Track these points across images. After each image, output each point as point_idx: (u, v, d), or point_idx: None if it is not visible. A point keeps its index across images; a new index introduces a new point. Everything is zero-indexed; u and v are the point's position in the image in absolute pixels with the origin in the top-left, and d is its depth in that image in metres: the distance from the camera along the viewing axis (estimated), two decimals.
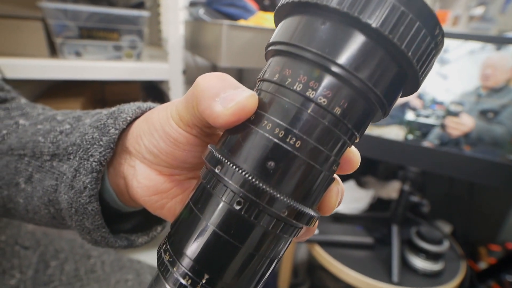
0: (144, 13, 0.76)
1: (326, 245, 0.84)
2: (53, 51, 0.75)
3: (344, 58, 0.14)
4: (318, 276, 1.17)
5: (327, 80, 0.15)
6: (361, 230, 0.89)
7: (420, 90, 0.80)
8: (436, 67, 0.78)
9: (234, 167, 0.15)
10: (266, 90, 0.17)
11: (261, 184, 0.15)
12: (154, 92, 0.99)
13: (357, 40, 0.14)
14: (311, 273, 1.20)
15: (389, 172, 1.14)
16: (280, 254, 0.18)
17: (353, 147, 0.19)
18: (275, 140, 0.15)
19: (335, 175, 0.19)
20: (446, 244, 0.79)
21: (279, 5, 0.17)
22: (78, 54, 0.74)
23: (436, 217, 1.07)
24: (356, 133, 0.16)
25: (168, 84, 0.81)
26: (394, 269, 0.76)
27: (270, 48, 0.17)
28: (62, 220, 0.26)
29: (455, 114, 0.77)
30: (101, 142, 0.23)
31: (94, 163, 0.23)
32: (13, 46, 0.72)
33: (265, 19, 0.87)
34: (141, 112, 0.24)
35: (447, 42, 0.75)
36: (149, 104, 0.26)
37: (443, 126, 0.78)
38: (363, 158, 0.22)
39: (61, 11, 0.69)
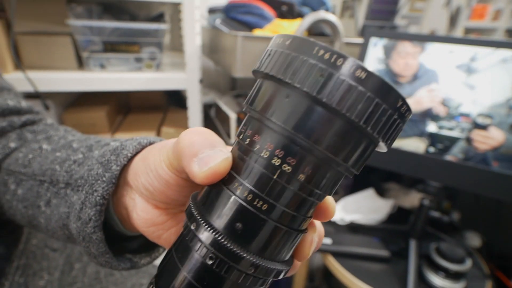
0: (163, 26, 0.79)
1: (340, 256, 0.84)
2: (80, 64, 0.81)
3: (305, 131, 0.15)
4: (335, 281, 1.17)
5: (291, 150, 0.16)
6: (378, 242, 0.88)
7: (444, 96, 0.76)
8: (462, 76, 0.74)
9: (206, 226, 0.17)
10: (240, 151, 0.18)
11: (229, 245, 0.17)
12: (176, 96, 1.04)
13: (317, 116, 0.15)
14: (327, 278, 1.21)
15: (414, 179, 1.11)
16: None
17: (329, 198, 0.20)
18: (243, 203, 0.17)
19: (313, 221, 0.21)
20: (468, 263, 0.76)
21: (253, 69, 0.18)
22: (102, 67, 0.80)
23: (467, 227, 1.02)
24: (324, 193, 0.18)
25: (180, 96, 0.85)
26: (409, 286, 0.74)
27: (245, 104, 0.19)
28: (75, 241, 0.30)
29: (483, 127, 0.73)
30: (104, 178, 0.26)
31: (97, 197, 0.26)
32: (46, 60, 0.79)
33: (282, 26, 0.87)
34: (141, 148, 0.27)
35: (475, 50, 0.71)
36: (149, 139, 0.28)
37: (468, 140, 0.74)
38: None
39: (87, 27, 0.75)
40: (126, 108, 1.05)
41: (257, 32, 0.84)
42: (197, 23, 0.83)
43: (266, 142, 0.17)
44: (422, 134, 0.78)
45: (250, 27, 0.87)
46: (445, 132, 0.76)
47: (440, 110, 0.76)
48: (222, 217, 0.17)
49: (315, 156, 0.16)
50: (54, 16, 0.76)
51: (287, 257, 0.19)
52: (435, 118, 0.76)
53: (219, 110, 1.04)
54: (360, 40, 0.85)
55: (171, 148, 0.22)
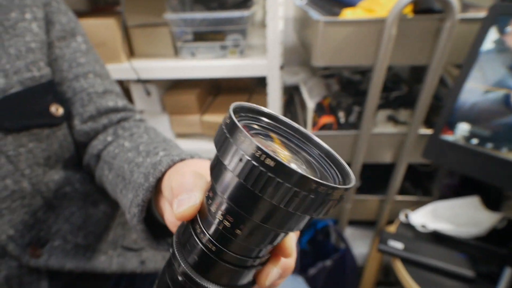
0: (246, 13, 0.86)
1: (411, 263, 0.81)
2: (176, 52, 0.96)
3: (235, 201, 0.20)
4: None
5: (229, 211, 0.21)
6: (463, 259, 0.80)
7: None
8: None
9: (178, 256, 0.24)
10: (205, 200, 0.23)
11: (191, 274, 0.23)
12: (263, 79, 1.10)
13: (243, 192, 0.19)
14: None
15: None
16: None
17: (286, 240, 0.25)
18: (199, 242, 0.23)
19: (278, 256, 0.26)
20: None
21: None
22: (193, 55, 0.93)
23: None
24: (264, 244, 0.23)
25: (265, 80, 0.91)
26: None
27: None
28: None
29: None
30: (144, 187, 0.34)
31: (139, 200, 0.34)
32: (151, 49, 0.96)
33: (378, 2, 0.82)
34: (173, 164, 0.35)
35: None
36: (181, 155, 0.36)
37: None
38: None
39: (182, 20, 0.87)
40: (217, 89, 1.18)
41: (343, 16, 0.81)
42: (280, 7, 0.85)
43: (214, 200, 0.22)
44: None
45: (341, 5, 0.84)
46: None
47: None
48: (187, 250, 0.24)
49: (247, 221, 0.20)
50: (156, 9, 0.91)
51: (244, 283, 0.25)
52: None
53: (301, 96, 1.07)
54: (480, 15, 0.73)
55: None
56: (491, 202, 0.92)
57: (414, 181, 1.14)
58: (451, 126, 0.79)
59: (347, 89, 1.10)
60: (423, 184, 1.11)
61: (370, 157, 0.97)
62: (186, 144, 1.08)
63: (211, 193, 0.22)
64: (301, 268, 1.08)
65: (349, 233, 1.20)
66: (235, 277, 0.24)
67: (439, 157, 0.81)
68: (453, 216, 0.90)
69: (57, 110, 0.48)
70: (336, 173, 0.24)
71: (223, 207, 0.21)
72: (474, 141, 0.76)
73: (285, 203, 0.18)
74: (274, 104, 0.95)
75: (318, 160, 0.25)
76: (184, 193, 0.25)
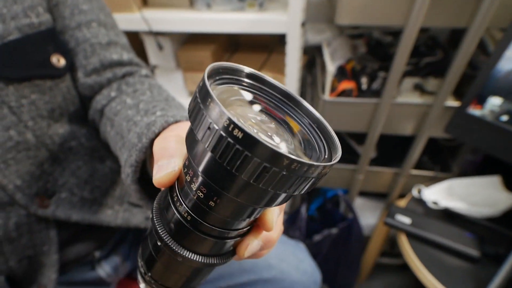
0: None
1: (416, 238, 0.81)
2: (191, 3, 0.91)
3: (210, 176, 0.19)
4: None
5: (202, 182, 0.20)
6: (471, 239, 0.79)
7: None
8: None
9: (156, 222, 0.24)
10: (183, 168, 0.23)
11: (165, 238, 0.23)
12: (283, 37, 1.05)
13: (213, 164, 0.18)
14: None
15: None
16: (197, 277, 0.27)
17: (268, 213, 0.24)
18: (175, 210, 0.23)
19: (259, 229, 0.25)
20: None
21: None
22: (208, 6, 0.88)
23: None
24: (238, 218, 0.22)
25: (285, 38, 0.86)
26: None
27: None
28: None
29: None
30: (137, 147, 0.34)
31: (132, 160, 0.34)
32: None
33: None
34: (168, 125, 0.34)
35: None
36: (176, 117, 0.35)
37: None
38: None
39: None
40: (234, 46, 1.13)
41: None
42: None
43: (190, 168, 0.21)
44: None
45: None
46: None
47: None
48: (165, 217, 0.24)
49: (220, 193, 0.20)
50: None
51: (223, 252, 0.25)
52: None
53: (322, 58, 1.01)
54: None
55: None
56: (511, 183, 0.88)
57: (434, 155, 1.09)
58: (481, 100, 0.73)
59: (375, 52, 1.03)
60: (443, 159, 1.07)
61: (389, 128, 0.93)
62: None
63: (186, 162, 0.22)
64: (307, 234, 1.10)
65: (359, 203, 1.20)
66: (212, 247, 0.24)
67: (462, 132, 0.77)
68: (469, 195, 0.87)
69: (58, 61, 0.47)
70: (324, 145, 0.22)
71: (196, 177, 0.20)
72: (504, 118, 0.71)
73: (254, 178, 0.17)
74: (292, 66, 0.90)
75: (307, 129, 0.24)
76: (165, 158, 0.24)
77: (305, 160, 0.17)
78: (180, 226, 0.23)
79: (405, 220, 0.83)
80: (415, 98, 0.90)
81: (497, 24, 0.73)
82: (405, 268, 1.25)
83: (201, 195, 0.20)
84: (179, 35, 1.04)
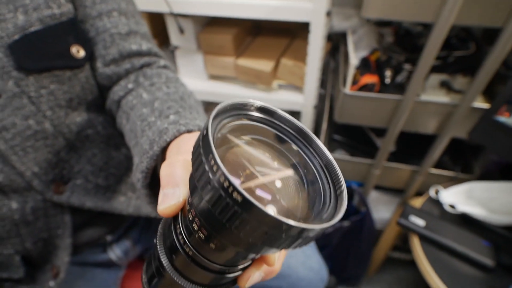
0: None
1: (428, 242, 0.80)
2: None
3: (208, 219, 0.19)
4: None
5: (203, 224, 0.20)
6: (487, 247, 0.77)
7: None
8: None
9: (159, 249, 0.25)
10: (187, 202, 0.23)
11: (168, 270, 0.24)
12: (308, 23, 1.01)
13: (214, 217, 0.18)
14: None
15: None
16: None
17: (274, 256, 0.25)
18: (177, 243, 0.23)
19: (261, 262, 0.26)
20: None
21: None
22: None
23: None
24: (235, 263, 0.23)
25: (309, 26, 0.83)
26: None
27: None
28: None
29: None
30: (148, 154, 0.35)
31: (143, 167, 0.35)
32: None
33: None
34: (179, 134, 0.35)
35: None
36: (188, 126, 0.35)
37: None
38: None
39: None
40: (257, 29, 1.10)
41: None
42: None
43: (192, 206, 0.21)
44: None
45: None
46: None
47: None
48: (168, 245, 0.24)
49: (219, 239, 0.20)
50: None
51: (223, 283, 0.26)
52: None
53: (346, 47, 0.97)
54: None
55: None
56: None
57: (455, 155, 1.05)
58: (511, 106, 0.69)
59: (402, 42, 0.98)
60: (465, 159, 1.03)
61: (411, 126, 0.90)
62: (219, 88, 1.06)
63: (190, 199, 0.21)
64: None
65: (374, 196, 1.19)
66: (212, 280, 0.24)
67: (487, 139, 0.73)
68: (489, 200, 0.84)
69: (78, 51, 0.47)
70: (330, 190, 0.22)
71: (198, 219, 0.20)
72: None
73: (253, 238, 0.17)
74: (314, 55, 0.88)
75: (316, 170, 0.24)
76: (170, 186, 0.24)
77: (304, 225, 0.16)
78: (181, 258, 0.23)
79: (419, 222, 0.82)
80: (441, 97, 0.86)
81: None
82: (415, 264, 1.25)
83: (202, 236, 0.21)
84: (201, 17, 1.02)
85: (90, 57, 0.51)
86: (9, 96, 0.43)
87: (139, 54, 0.52)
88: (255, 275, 0.25)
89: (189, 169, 0.26)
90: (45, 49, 0.44)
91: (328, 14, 0.83)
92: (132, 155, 0.45)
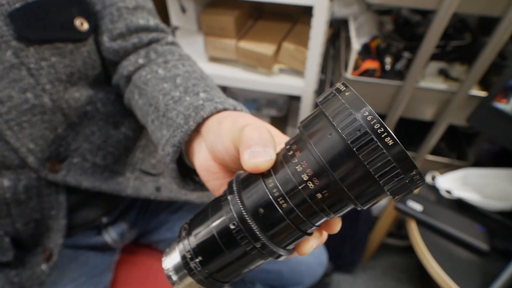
0: None
1: (426, 226, 0.83)
2: None
3: (335, 166, 0.21)
4: None
5: (318, 174, 0.22)
6: (482, 232, 0.80)
7: None
8: None
9: (239, 200, 0.24)
10: (282, 157, 0.24)
11: (249, 221, 0.24)
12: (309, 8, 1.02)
13: (346, 159, 0.20)
14: None
15: None
16: (252, 267, 0.27)
17: (336, 218, 0.26)
18: (270, 197, 0.23)
19: (320, 229, 0.27)
20: None
21: (316, 100, 0.24)
22: None
23: None
24: (332, 213, 0.24)
25: (312, 10, 0.84)
26: None
27: (299, 124, 0.24)
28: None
29: None
30: (183, 129, 0.35)
31: (176, 141, 0.35)
32: None
33: None
34: (217, 112, 0.35)
35: None
36: (225, 104, 0.36)
37: None
38: None
39: None
40: (258, 13, 1.10)
41: None
42: None
43: (303, 160, 0.22)
44: None
45: None
46: None
47: None
48: (252, 200, 0.24)
49: (334, 185, 0.21)
50: None
51: (290, 248, 0.26)
52: None
53: (348, 33, 0.99)
54: None
55: (238, 130, 0.28)
56: None
57: (451, 142, 1.09)
58: (508, 93, 0.72)
59: (401, 31, 1.00)
60: (460, 146, 1.07)
61: (409, 112, 0.92)
62: (219, 70, 1.06)
63: (298, 153, 0.23)
64: None
65: None
66: (288, 239, 0.25)
67: (485, 125, 0.76)
68: (483, 186, 0.88)
69: (82, 24, 0.47)
70: None
71: (314, 168, 0.22)
72: None
73: (380, 174, 0.19)
74: (316, 40, 0.89)
75: None
76: (259, 146, 0.25)
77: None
78: (272, 212, 0.23)
79: (416, 207, 0.84)
80: (439, 84, 0.89)
81: None
82: (409, 250, 1.28)
83: (311, 186, 0.22)
84: None
85: (94, 30, 0.50)
86: (7, 67, 0.41)
87: (147, 29, 0.52)
88: (315, 243, 0.27)
89: (271, 135, 0.27)
90: (48, 20, 0.43)
91: None
92: (148, 129, 0.44)
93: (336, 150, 0.20)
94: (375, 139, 0.19)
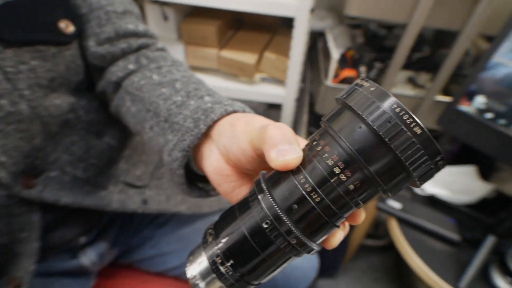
0: None
1: (405, 223, 0.89)
2: None
3: (365, 156, 0.22)
4: None
5: (350, 165, 0.22)
6: (453, 224, 0.88)
7: None
8: None
9: (270, 198, 0.24)
10: (310, 152, 0.25)
11: (284, 218, 0.24)
12: (287, 20, 1.08)
13: (377, 148, 0.22)
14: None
15: None
16: (285, 265, 0.27)
17: (361, 208, 0.26)
18: (303, 192, 0.24)
19: (345, 221, 0.28)
20: None
21: (337, 97, 0.25)
22: None
23: None
24: (361, 203, 0.24)
25: (292, 21, 0.89)
26: (465, 276, 0.77)
27: (324, 120, 0.25)
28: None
29: None
30: (192, 132, 0.34)
31: (185, 145, 0.34)
32: None
33: None
34: (227, 114, 0.34)
35: None
36: (234, 107, 0.35)
37: None
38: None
39: None
40: (239, 23, 1.14)
41: None
42: None
43: (333, 154, 0.23)
44: None
45: None
46: None
47: None
48: (284, 196, 0.24)
49: (366, 175, 0.22)
50: None
51: (319, 241, 0.26)
52: None
53: (325, 44, 1.05)
54: None
55: (257, 130, 0.28)
56: (484, 172, 0.99)
57: None
58: (470, 97, 0.81)
59: (371, 43, 1.09)
60: None
61: None
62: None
63: (327, 147, 0.24)
64: None
65: None
66: (321, 232, 0.25)
67: (452, 126, 0.85)
68: (450, 183, 0.97)
69: (66, 27, 0.44)
70: None
71: (345, 161, 0.23)
72: (489, 115, 0.79)
73: (413, 164, 0.21)
74: (298, 50, 0.94)
75: None
76: (285, 143, 0.25)
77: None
78: (305, 207, 0.24)
79: (396, 205, 0.91)
80: (409, 90, 0.98)
81: (485, 31, 0.83)
82: (386, 249, 1.37)
83: (344, 178, 0.23)
84: (184, 6, 1.03)
85: (80, 34, 0.47)
86: None
87: (136, 34, 0.50)
88: (342, 236, 0.27)
89: (292, 132, 0.27)
90: (29, 20, 0.40)
91: (312, 10, 0.90)
92: (142, 136, 0.43)
93: (367, 141, 0.22)
94: (405, 129, 0.20)
